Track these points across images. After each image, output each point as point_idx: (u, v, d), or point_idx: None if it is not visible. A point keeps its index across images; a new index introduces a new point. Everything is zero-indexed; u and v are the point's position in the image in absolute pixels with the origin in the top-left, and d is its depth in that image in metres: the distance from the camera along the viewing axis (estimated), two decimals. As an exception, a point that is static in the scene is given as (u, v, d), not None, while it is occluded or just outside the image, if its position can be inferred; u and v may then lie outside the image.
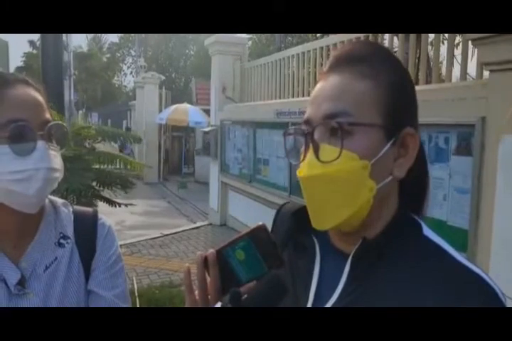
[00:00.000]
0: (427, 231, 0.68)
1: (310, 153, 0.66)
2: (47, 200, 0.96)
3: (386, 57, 0.69)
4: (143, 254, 5.77)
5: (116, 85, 33.47)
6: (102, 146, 4.62)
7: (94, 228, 0.98)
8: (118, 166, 4.72)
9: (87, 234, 0.97)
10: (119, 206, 4.31)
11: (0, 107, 0.83)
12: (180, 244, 6.37)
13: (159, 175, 13.58)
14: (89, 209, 1.04)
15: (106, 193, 4.35)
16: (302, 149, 0.69)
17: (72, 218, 0.98)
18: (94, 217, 1.00)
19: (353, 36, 4.42)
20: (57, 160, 0.88)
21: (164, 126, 13.91)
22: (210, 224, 7.61)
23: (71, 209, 1.00)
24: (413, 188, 0.72)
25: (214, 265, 0.65)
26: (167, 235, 6.81)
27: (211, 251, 0.66)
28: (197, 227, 7.45)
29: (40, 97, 0.89)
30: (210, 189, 7.97)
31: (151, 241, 6.44)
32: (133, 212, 8.39)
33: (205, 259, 0.66)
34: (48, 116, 0.89)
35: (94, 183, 4.17)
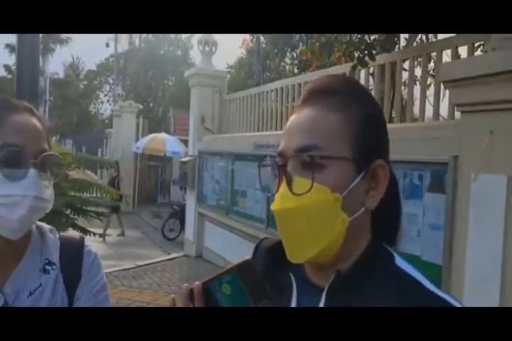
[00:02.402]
0: (399, 261, 0.68)
1: (283, 186, 0.67)
2: (34, 226, 0.95)
3: (357, 91, 0.71)
4: (115, 285, 5.59)
5: (93, 113, 33.31)
6: (75, 174, 4.56)
7: (80, 255, 0.97)
8: (94, 194, 4.65)
9: (73, 261, 0.96)
10: (94, 235, 4.23)
11: (1, 130, 0.85)
12: (154, 276, 6.21)
13: (133, 204, 13.37)
14: (76, 236, 1.03)
15: (80, 222, 4.27)
16: (276, 181, 0.70)
17: (59, 244, 0.97)
18: (80, 244, 0.99)
19: (332, 73, 4.58)
20: (47, 191, 0.88)
21: (140, 155, 13.83)
22: (186, 256, 7.47)
23: (57, 236, 0.99)
24: (385, 220, 0.73)
25: (199, 298, 0.65)
26: (140, 266, 6.64)
27: (197, 283, 0.66)
28: (172, 259, 7.31)
29: (40, 127, 0.91)
30: (187, 219, 7.88)
31: (124, 272, 6.26)
32: (106, 242, 8.18)
33: (191, 291, 0.66)
34: (45, 146, 0.90)
35: (68, 211, 4.09)
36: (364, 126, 0.68)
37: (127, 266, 6.55)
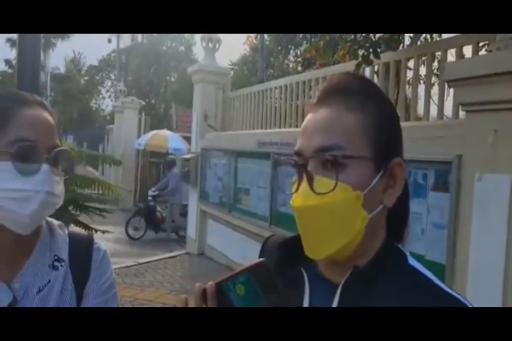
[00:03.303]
0: (412, 260, 0.71)
1: (304, 184, 0.67)
2: (43, 221, 0.95)
3: (373, 90, 0.72)
4: (117, 283, 5.50)
5: (94, 108, 33.25)
6: (76, 170, 4.56)
7: (90, 252, 0.97)
8: (96, 191, 4.66)
9: (82, 258, 0.95)
10: (96, 232, 4.24)
11: (13, 124, 0.84)
12: (156, 273, 6.20)
13: (135, 201, 13.38)
14: (85, 233, 1.04)
15: (82, 218, 4.28)
16: (294, 180, 0.71)
17: (68, 241, 0.97)
18: (89, 241, 0.99)
19: (336, 71, 4.58)
20: (58, 187, 0.88)
21: (142, 152, 13.83)
22: (188, 253, 7.46)
23: (67, 232, 0.99)
24: (397, 218, 0.74)
25: (213, 298, 0.65)
26: (142, 263, 6.62)
27: (210, 283, 0.66)
28: (174, 256, 7.28)
29: (52, 121, 0.90)
30: (189, 217, 7.85)
31: (126, 270, 6.25)
32: (107, 239, 8.16)
33: (204, 291, 0.66)
34: (57, 141, 0.89)
35: (70, 207, 4.10)
36: (381, 125, 0.69)
37: (128, 264, 6.51)
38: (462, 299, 0.65)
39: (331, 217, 0.66)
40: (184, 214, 8.56)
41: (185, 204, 8.67)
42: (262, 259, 0.66)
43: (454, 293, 0.66)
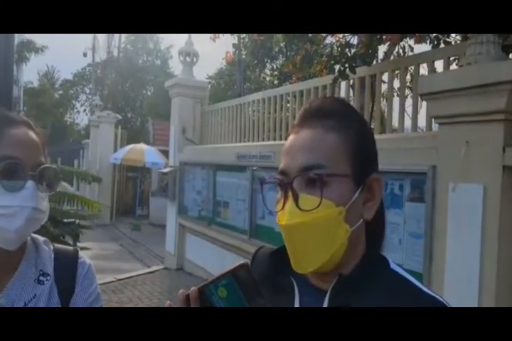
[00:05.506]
0: (393, 265, 0.76)
1: (290, 202, 0.71)
2: (28, 238, 0.97)
3: (351, 112, 0.77)
4: (95, 300, 5.47)
5: (68, 123, 32.76)
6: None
7: (75, 266, 1.00)
8: (75, 207, 4.61)
9: (67, 272, 0.98)
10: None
11: (0, 143, 0.88)
12: (134, 289, 6.11)
13: (111, 216, 13.17)
14: (70, 248, 1.06)
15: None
16: (278, 197, 0.74)
17: (53, 256, 1.00)
18: (74, 256, 1.02)
19: (313, 85, 4.67)
20: (43, 203, 0.91)
21: (119, 166, 13.67)
22: (166, 268, 7.36)
23: (52, 247, 1.02)
24: (375, 228, 0.79)
25: (196, 303, 0.67)
26: (120, 280, 6.52)
27: (193, 288, 0.68)
28: (152, 272, 7.19)
29: (38, 140, 0.94)
30: (167, 231, 7.76)
31: (104, 287, 6.10)
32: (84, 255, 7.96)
33: (187, 297, 0.67)
34: (42, 159, 0.93)
35: (48, 224, 4.03)
36: (359, 144, 0.74)
37: (106, 280, 6.38)
38: (441, 298, 0.69)
39: (317, 232, 0.70)
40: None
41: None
42: (243, 261, 0.68)
43: (432, 294, 0.70)
